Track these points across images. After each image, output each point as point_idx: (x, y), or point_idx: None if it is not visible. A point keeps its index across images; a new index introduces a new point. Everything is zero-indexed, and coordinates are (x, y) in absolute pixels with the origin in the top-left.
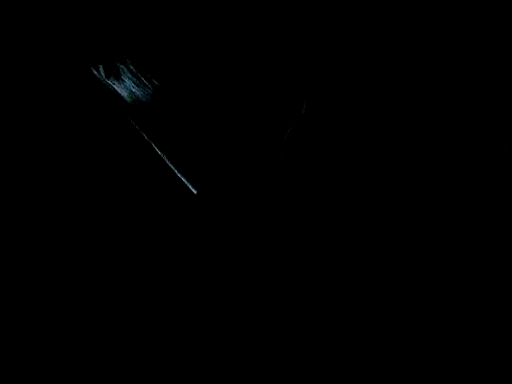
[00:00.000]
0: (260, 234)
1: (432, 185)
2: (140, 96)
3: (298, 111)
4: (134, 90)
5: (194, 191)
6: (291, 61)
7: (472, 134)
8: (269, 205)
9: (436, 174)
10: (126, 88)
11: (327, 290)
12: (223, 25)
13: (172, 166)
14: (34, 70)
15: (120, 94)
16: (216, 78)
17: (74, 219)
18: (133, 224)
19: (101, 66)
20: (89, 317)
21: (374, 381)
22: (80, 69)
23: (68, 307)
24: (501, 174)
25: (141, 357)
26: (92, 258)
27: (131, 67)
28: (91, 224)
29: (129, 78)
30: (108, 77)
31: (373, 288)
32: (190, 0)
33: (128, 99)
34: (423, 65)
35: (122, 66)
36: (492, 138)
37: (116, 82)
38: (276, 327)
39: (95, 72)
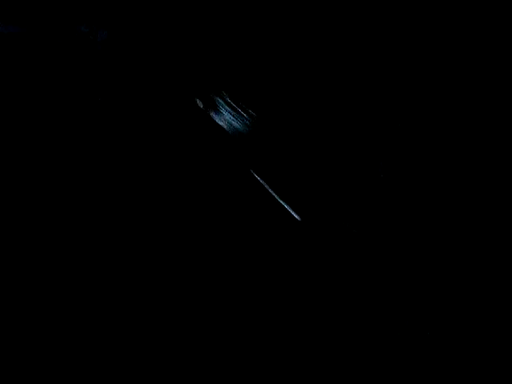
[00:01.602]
0: (367, 256)
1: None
2: (238, 126)
3: (391, 133)
4: (231, 121)
5: (297, 217)
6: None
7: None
8: (374, 228)
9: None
10: (224, 119)
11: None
12: (315, 62)
13: (273, 193)
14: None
15: (219, 125)
16: (312, 108)
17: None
18: (238, 250)
19: (198, 100)
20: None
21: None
22: (186, 101)
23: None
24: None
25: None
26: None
27: (228, 99)
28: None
29: (227, 111)
30: (206, 109)
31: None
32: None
33: (227, 129)
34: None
35: (219, 99)
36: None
37: (214, 114)
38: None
39: (199, 103)
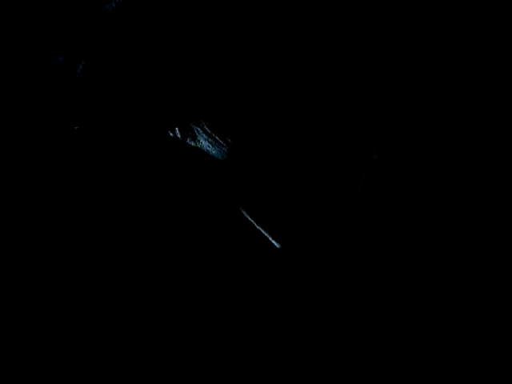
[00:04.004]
0: (342, 281)
1: None
2: (215, 154)
3: (369, 157)
4: (209, 149)
5: (276, 244)
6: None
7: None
8: (350, 253)
9: None
10: (201, 148)
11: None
12: (292, 89)
13: (251, 220)
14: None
15: (195, 153)
16: (288, 133)
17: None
18: (210, 280)
19: (177, 129)
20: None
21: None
22: (157, 131)
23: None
24: None
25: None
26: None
27: (206, 128)
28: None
29: (204, 139)
30: (184, 138)
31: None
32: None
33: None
34: None
35: (197, 128)
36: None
37: (192, 143)
38: None
39: (171, 134)
